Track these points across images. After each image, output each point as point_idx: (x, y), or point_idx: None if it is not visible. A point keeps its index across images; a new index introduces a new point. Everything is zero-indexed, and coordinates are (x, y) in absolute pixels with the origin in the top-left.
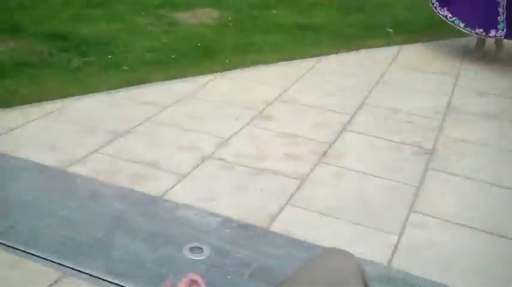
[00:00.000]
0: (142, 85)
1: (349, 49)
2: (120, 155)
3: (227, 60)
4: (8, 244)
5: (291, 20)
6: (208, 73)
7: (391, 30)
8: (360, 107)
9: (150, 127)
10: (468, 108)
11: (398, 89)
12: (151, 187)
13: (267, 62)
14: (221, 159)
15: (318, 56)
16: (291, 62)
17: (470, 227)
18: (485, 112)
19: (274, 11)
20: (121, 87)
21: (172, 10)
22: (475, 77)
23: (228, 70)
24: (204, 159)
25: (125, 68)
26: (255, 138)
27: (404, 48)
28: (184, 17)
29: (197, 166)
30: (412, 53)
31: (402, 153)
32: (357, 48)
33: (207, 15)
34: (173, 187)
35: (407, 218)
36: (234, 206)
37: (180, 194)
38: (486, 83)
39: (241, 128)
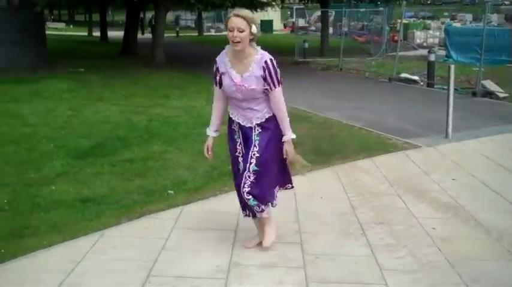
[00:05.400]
0: None
1: (131, 218)
2: None
3: (2, 250)
4: None
5: (72, 194)
6: None
7: (171, 191)
8: (146, 280)
9: None
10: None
11: (183, 253)
12: None
13: (45, 245)
14: None
15: (100, 230)
16: (72, 241)
17: None
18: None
19: (53, 187)
20: None
21: None
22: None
23: (3, 262)
24: None
25: None
26: None
27: (186, 209)
28: None
29: None
30: (194, 212)
31: None
32: (139, 215)
33: None
34: None
35: None
36: None
37: None
38: None
39: None
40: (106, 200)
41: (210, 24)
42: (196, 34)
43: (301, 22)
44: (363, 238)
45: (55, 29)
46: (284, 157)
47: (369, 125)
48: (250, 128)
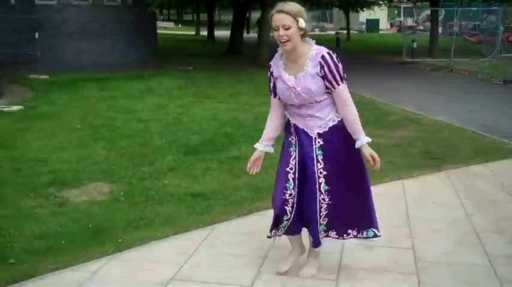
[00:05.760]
0: (30, 280)
1: (239, 214)
2: None
3: (119, 240)
4: None
5: (183, 188)
6: (101, 257)
7: None
8: (256, 277)
9: None
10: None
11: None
12: None
13: (159, 237)
14: None
15: (210, 225)
16: (184, 234)
17: None
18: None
19: (166, 181)
20: (8, 285)
21: (62, 188)
22: None
23: (121, 251)
24: None
25: (12, 261)
26: None
27: None
28: (74, 194)
29: None
30: None
31: None
32: (247, 212)
33: (98, 191)
34: None
35: None
36: None
37: None
38: None
39: None
40: (215, 196)
41: (314, 24)
42: None
43: (409, 21)
44: (479, 247)
45: (164, 28)
46: (372, 163)
47: (482, 128)
48: (310, 138)
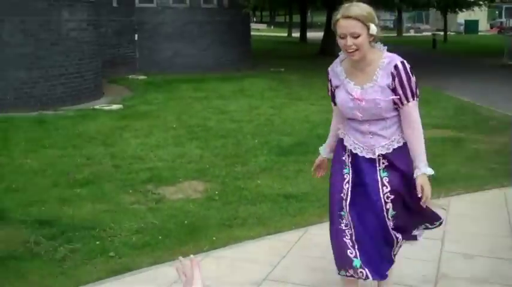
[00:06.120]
0: (129, 273)
1: None
2: None
3: (214, 238)
4: None
5: (276, 189)
6: (196, 254)
7: None
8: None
9: None
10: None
11: None
12: None
13: (253, 236)
14: None
15: (303, 227)
16: (276, 235)
17: None
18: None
19: (259, 181)
20: (108, 276)
21: (158, 185)
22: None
23: (215, 249)
24: None
25: (112, 254)
26: None
27: None
28: (171, 191)
29: None
30: None
31: None
32: None
33: (193, 189)
34: None
35: None
36: None
37: None
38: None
39: None
40: (308, 198)
41: (409, 25)
42: (394, 35)
43: None
44: None
45: (257, 30)
46: (419, 195)
47: None
48: (372, 160)
